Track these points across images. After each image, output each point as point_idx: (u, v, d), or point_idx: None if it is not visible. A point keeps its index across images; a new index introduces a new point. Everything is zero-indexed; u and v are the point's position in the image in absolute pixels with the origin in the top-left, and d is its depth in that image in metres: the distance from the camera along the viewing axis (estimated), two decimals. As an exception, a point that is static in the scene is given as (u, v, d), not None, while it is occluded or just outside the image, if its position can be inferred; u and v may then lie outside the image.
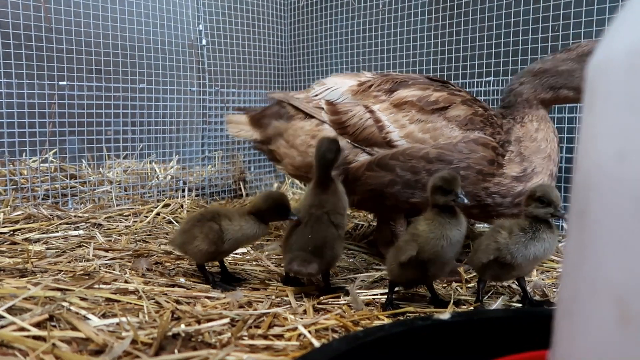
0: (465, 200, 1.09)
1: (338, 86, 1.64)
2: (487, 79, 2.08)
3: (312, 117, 1.62)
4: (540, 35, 1.91)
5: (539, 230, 1.11)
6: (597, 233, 0.35)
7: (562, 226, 1.92)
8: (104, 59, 2.27)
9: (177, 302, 1.11)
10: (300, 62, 2.93)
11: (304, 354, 0.69)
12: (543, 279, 1.40)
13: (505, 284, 1.34)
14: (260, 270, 1.44)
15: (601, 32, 1.76)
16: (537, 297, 1.26)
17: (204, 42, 2.59)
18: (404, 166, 1.42)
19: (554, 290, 1.32)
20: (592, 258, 0.35)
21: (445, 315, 0.87)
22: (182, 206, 2.28)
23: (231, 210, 1.30)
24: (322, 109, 1.61)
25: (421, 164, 1.41)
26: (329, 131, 1.57)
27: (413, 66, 2.35)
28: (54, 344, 0.84)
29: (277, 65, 2.97)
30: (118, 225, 1.91)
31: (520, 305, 1.21)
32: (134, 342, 0.87)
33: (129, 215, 2.08)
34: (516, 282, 1.26)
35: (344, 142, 1.53)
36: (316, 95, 1.67)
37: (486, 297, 1.27)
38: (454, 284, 1.35)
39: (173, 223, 2.03)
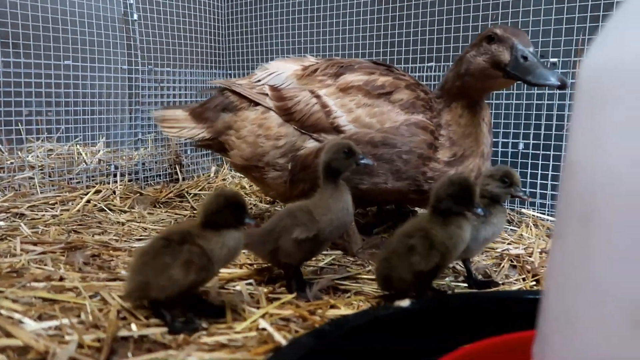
0: (480, 211, 1.01)
1: (281, 71, 1.59)
2: (430, 64, 2.12)
3: (257, 104, 1.57)
4: (480, 23, 1.97)
5: (491, 214, 1.11)
6: (608, 239, 0.35)
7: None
8: (22, 32, 2.05)
9: (122, 298, 1.04)
10: (239, 42, 2.84)
11: (275, 354, 0.66)
12: (484, 259, 1.46)
13: (450, 265, 1.38)
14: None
15: (537, 21, 1.84)
16: (480, 277, 1.31)
17: (135, 16, 2.41)
18: None
19: (495, 270, 1.38)
20: (599, 264, 0.35)
21: (405, 302, 0.89)
22: (114, 192, 2.14)
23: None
24: (267, 95, 1.56)
25: (367, 148, 1.40)
26: (275, 118, 1.52)
27: (356, 49, 2.34)
28: (-14, 355, 0.75)
29: (214, 44, 2.85)
30: (44, 215, 1.77)
31: (465, 285, 1.25)
32: (80, 346, 0.80)
33: (56, 203, 1.92)
34: (461, 264, 1.31)
35: (290, 129, 1.50)
36: (259, 80, 1.61)
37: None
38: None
39: (105, 211, 1.91)
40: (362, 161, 1.15)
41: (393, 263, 1.04)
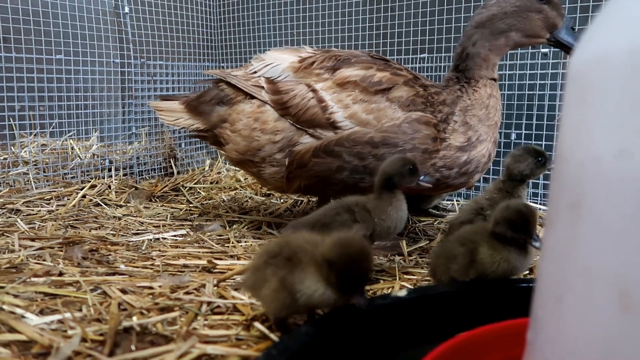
0: (537, 244, 0.92)
1: (278, 62, 1.57)
2: (422, 55, 2.13)
3: (253, 97, 1.55)
4: (472, 14, 1.97)
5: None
6: (595, 226, 0.37)
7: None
8: (13, 26, 2.03)
9: (123, 291, 1.05)
10: (232, 34, 2.83)
11: (274, 344, 0.68)
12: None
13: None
14: (204, 252, 1.40)
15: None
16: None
17: (126, 9, 2.40)
18: (350, 152, 1.40)
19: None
20: (588, 249, 0.37)
21: (402, 292, 0.90)
22: (109, 187, 2.15)
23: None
24: (262, 87, 1.54)
25: (367, 149, 1.39)
26: (271, 112, 1.51)
27: (349, 41, 2.35)
28: (-9, 350, 0.76)
29: (206, 37, 2.84)
30: (40, 211, 1.77)
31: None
32: (83, 340, 0.82)
33: (51, 198, 1.93)
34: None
35: (287, 124, 1.48)
36: (255, 72, 1.58)
37: (414, 264, 1.32)
38: (397, 257, 1.39)
39: (101, 205, 1.91)
40: (422, 181, 1.17)
41: (438, 262, 1.01)
